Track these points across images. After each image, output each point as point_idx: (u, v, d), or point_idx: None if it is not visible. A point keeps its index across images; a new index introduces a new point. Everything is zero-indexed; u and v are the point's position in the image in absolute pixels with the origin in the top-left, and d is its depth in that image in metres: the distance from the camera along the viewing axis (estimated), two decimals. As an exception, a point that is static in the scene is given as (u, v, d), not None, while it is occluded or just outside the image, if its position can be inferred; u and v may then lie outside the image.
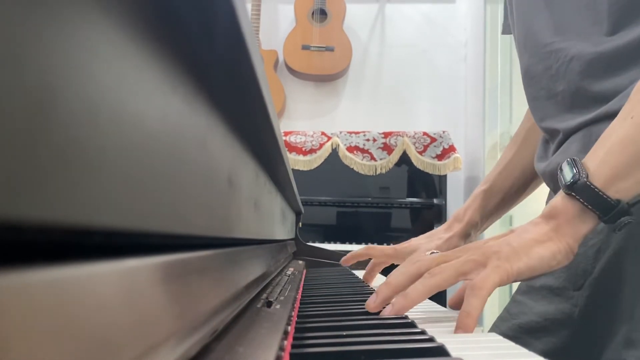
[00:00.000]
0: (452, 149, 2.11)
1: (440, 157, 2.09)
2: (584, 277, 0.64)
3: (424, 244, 0.85)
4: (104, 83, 0.15)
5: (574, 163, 0.52)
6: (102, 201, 0.16)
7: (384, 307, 0.50)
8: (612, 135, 0.51)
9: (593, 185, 0.50)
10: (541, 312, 0.70)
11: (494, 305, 2.21)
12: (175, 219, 0.24)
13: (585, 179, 0.50)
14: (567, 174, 0.52)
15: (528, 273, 0.50)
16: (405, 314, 0.50)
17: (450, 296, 0.61)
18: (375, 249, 0.87)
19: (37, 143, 0.12)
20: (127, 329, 0.16)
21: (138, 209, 0.19)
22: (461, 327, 0.45)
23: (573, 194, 0.50)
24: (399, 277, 0.52)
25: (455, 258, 0.51)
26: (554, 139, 0.69)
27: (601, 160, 0.51)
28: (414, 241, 0.87)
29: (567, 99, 0.66)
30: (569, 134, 0.65)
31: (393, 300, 0.50)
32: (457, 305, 0.57)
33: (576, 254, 0.66)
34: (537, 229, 0.52)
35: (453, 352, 0.33)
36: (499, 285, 0.48)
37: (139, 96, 0.19)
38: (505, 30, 0.91)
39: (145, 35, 0.19)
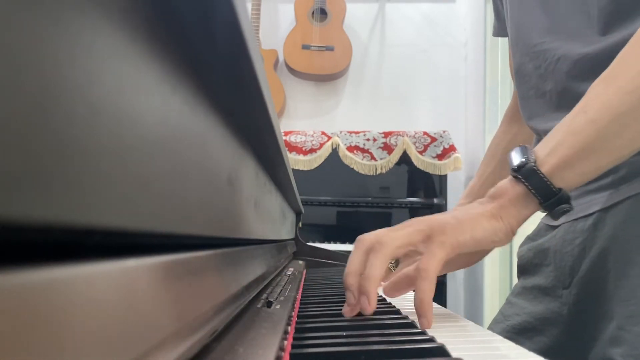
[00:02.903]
0: (452, 148, 2.11)
1: (440, 156, 2.09)
2: (571, 275, 0.65)
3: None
4: (104, 83, 0.15)
5: (524, 149, 0.54)
6: (102, 201, 0.16)
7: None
8: (564, 127, 0.53)
9: (539, 170, 0.52)
10: (532, 312, 0.71)
11: (494, 307, 2.21)
12: (175, 219, 0.24)
13: (532, 164, 0.52)
14: (516, 158, 0.53)
15: (473, 245, 0.52)
16: (405, 313, 0.50)
17: (450, 296, 0.62)
18: None
19: (37, 143, 0.12)
20: (127, 329, 0.16)
21: (138, 209, 0.19)
22: (421, 315, 0.47)
23: (519, 176, 0.52)
24: (354, 260, 0.52)
25: (402, 229, 0.52)
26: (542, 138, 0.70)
27: (551, 150, 0.52)
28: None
29: (554, 98, 0.67)
30: None
31: (364, 290, 0.49)
32: (392, 293, 0.58)
33: (559, 251, 0.67)
34: (482, 207, 0.54)
35: (453, 352, 0.33)
36: (446, 260, 0.50)
37: (139, 96, 0.19)
38: (495, 32, 0.91)
39: (145, 35, 0.19)
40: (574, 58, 0.63)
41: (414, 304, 0.48)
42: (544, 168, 0.52)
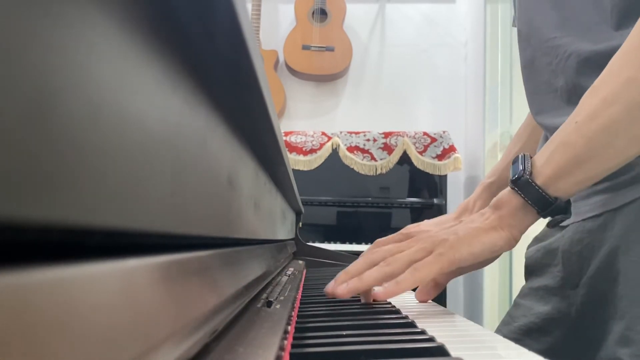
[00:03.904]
0: (452, 149, 2.11)
1: (440, 157, 2.09)
2: (579, 275, 0.65)
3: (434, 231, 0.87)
4: (104, 83, 0.15)
5: (523, 159, 0.56)
6: (102, 201, 0.16)
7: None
8: (558, 137, 0.55)
9: (534, 182, 0.54)
10: (539, 312, 0.71)
11: (494, 307, 2.21)
12: (175, 219, 0.24)
13: (527, 177, 0.54)
14: (515, 169, 0.56)
15: (471, 259, 0.55)
16: (405, 313, 0.50)
17: (450, 296, 0.63)
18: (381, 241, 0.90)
19: (37, 143, 0.12)
20: (127, 329, 0.16)
21: (138, 209, 0.19)
22: (385, 288, 0.52)
23: (516, 188, 0.55)
24: (357, 265, 0.57)
25: (409, 248, 0.56)
26: (551, 134, 0.70)
27: (546, 160, 0.54)
28: (423, 226, 0.89)
29: (565, 94, 0.66)
30: None
31: (349, 281, 0.55)
32: (422, 297, 0.64)
33: (568, 251, 0.67)
34: (482, 219, 0.57)
35: (453, 352, 0.33)
36: (440, 272, 0.55)
37: (139, 96, 0.19)
38: (515, 22, 0.91)
39: (146, 35, 0.19)
40: (585, 55, 0.62)
41: (388, 282, 0.52)
42: (540, 179, 0.54)
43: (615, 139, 0.51)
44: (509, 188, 0.56)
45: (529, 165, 0.55)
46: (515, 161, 0.57)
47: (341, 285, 0.55)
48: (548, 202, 0.54)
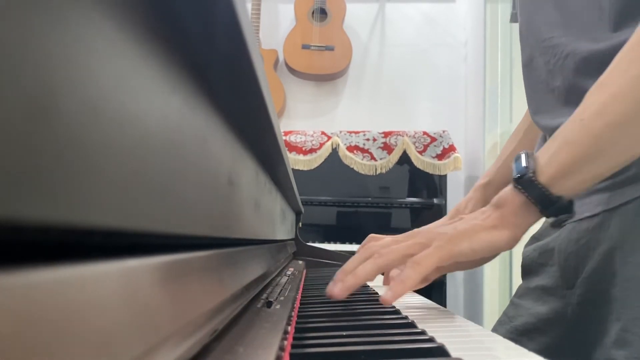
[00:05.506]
0: (452, 148, 2.11)
1: (440, 156, 2.09)
2: (576, 275, 0.64)
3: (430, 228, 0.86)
4: (103, 83, 0.15)
5: (526, 157, 0.55)
6: (102, 201, 0.16)
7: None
8: (562, 135, 0.54)
9: (537, 181, 0.53)
10: (536, 312, 0.70)
11: (494, 307, 2.21)
12: (175, 219, 0.24)
13: (531, 175, 0.53)
14: (518, 167, 0.55)
15: (471, 254, 0.54)
16: (405, 313, 0.50)
17: (450, 296, 0.63)
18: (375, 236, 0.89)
19: (37, 143, 0.12)
20: (127, 329, 0.16)
21: (138, 209, 0.19)
22: (391, 290, 0.50)
23: (519, 187, 0.54)
24: (353, 262, 0.57)
25: (404, 241, 0.56)
26: (549, 135, 0.70)
27: (549, 157, 0.53)
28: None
29: (562, 94, 0.66)
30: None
31: (344, 279, 0.54)
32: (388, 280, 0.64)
33: (564, 250, 0.67)
34: (484, 217, 0.56)
35: (453, 352, 0.33)
36: (439, 264, 0.53)
37: (139, 96, 0.19)
38: (513, 18, 0.91)
39: (145, 35, 0.19)
40: (583, 55, 0.62)
41: (393, 282, 0.51)
42: (543, 177, 0.53)
43: (622, 137, 0.50)
44: (511, 186, 0.55)
45: (533, 163, 0.54)
46: (517, 159, 0.56)
47: (337, 284, 0.54)
48: (551, 201, 0.52)
